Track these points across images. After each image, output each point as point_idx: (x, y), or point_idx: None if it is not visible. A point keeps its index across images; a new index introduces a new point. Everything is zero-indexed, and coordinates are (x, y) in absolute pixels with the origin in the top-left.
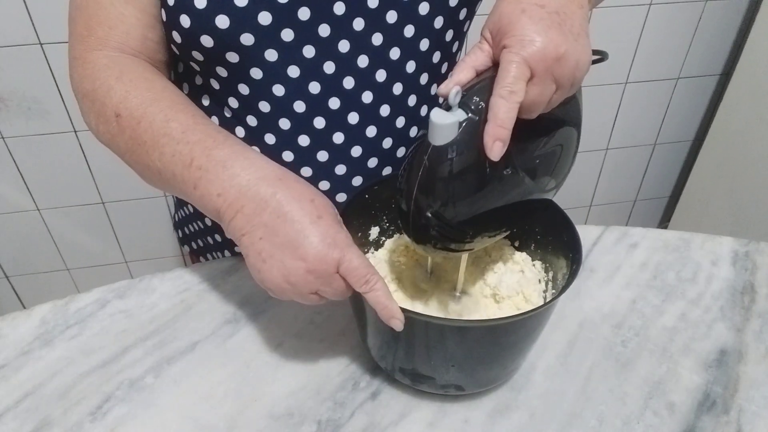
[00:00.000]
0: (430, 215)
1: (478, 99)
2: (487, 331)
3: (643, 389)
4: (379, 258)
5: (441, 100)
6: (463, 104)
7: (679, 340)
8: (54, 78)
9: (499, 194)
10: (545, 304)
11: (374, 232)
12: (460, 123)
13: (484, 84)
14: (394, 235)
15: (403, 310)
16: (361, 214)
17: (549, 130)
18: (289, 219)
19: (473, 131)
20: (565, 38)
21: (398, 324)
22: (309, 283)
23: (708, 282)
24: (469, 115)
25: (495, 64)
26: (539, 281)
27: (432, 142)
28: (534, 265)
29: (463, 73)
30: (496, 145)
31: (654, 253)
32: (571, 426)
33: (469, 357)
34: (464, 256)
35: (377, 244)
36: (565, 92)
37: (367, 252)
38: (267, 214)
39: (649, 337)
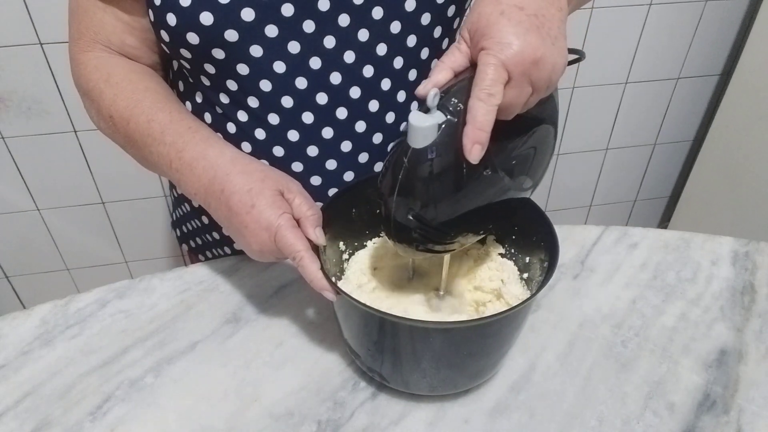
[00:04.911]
0: (411, 217)
1: (456, 101)
2: (449, 332)
3: (643, 389)
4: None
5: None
6: (442, 106)
7: (679, 340)
8: (54, 78)
9: (478, 194)
10: (515, 306)
11: None
12: (439, 125)
13: (462, 85)
14: None
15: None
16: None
17: (526, 129)
18: (233, 212)
19: (452, 133)
20: (543, 42)
21: (330, 295)
22: (266, 256)
23: (708, 282)
24: (448, 117)
25: (473, 65)
26: (520, 280)
27: (411, 144)
28: (514, 264)
29: (441, 74)
30: (474, 148)
31: (654, 253)
32: (571, 426)
33: (436, 359)
34: (446, 257)
35: None
36: (541, 94)
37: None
38: (223, 208)
39: (649, 337)
